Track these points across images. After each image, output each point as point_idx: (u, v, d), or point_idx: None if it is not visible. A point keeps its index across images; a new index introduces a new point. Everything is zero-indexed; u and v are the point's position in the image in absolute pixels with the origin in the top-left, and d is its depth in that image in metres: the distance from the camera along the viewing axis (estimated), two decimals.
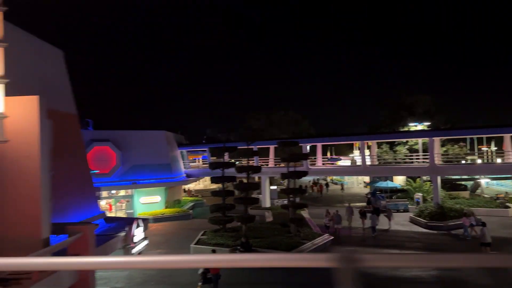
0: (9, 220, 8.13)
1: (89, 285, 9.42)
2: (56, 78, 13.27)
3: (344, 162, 53.50)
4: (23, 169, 8.33)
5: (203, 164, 49.74)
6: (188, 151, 44.11)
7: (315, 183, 54.92)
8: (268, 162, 38.56)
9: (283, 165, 37.38)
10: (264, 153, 39.69)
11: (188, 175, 40.87)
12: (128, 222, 13.33)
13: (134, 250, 12.20)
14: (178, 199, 40.13)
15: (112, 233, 12.25)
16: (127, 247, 12.22)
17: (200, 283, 18.74)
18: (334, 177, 59.90)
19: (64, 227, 9.33)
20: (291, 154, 25.86)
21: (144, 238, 13.40)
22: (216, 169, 27.67)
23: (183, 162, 42.02)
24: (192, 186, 54.65)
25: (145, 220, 14.34)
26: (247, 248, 21.85)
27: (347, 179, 55.44)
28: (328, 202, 40.44)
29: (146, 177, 34.44)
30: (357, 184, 56.05)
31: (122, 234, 12.41)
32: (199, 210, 39.14)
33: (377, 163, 35.51)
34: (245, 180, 25.34)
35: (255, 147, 33.02)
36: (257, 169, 25.28)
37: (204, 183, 61.65)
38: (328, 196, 47.43)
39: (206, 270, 18.70)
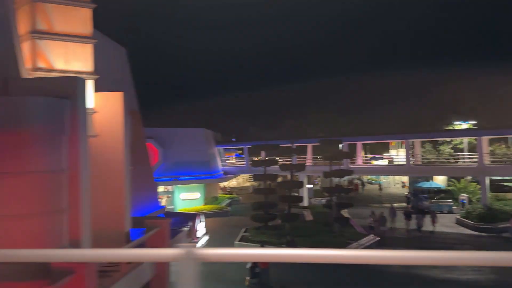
0: (97, 213, 8.31)
1: (165, 279, 9.54)
2: (121, 75, 13.55)
3: (380, 161, 52.48)
4: (109, 164, 8.52)
5: (237, 161, 50.14)
6: (225, 148, 44.47)
7: (350, 182, 54.14)
8: (305, 160, 38.27)
9: (320, 163, 37.23)
10: (301, 151, 39.37)
11: (225, 172, 41.15)
12: (188, 217, 13.47)
13: (197, 245, 12.33)
14: (215, 196, 40.51)
15: (176, 227, 12.40)
16: (191, 241, 12.34)
17: (248, 277, 18.79)
18: (369, 177, 58.83)
19: (142, 220, 9.48)
20: (335, 152, 25.55)
21: (205, 233, 13.52)
22: (257, 167, 27.68)
23: (220, 160, 42.38)
24: (226, 183, 55.07)
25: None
26: (292, 247, 21.73)
27: (383, 179, 54.35)
28: (365, 202, 39.76)
29: (186, 174, 34.89)
30: (394, 184, 54.85)
31: (186, 229, 12.53)
32: (235, 208, 39.33)
33: (420, 162, 34.61)
34: (276, 180, 25.42)
35: (293, 145, 32.84)
36: (301, 167, 25.10)
37: (237, 181, 61.90)
38: (365, 196, 46.64)
39: (255, 265, 18.70)
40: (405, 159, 33.34)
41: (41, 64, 7.61)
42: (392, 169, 37.34)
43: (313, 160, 38.32)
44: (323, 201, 38.35)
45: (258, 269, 18.68)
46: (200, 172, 36.01)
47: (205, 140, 38.01)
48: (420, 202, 33.77)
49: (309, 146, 38.21)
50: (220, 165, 41.47)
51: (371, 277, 19.39)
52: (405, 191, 46.26)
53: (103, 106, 8.42)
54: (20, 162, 6.26)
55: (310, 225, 27.15)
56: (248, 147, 40.15)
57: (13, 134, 6.22)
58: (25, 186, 6.31)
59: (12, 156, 6.25)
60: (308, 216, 32.90)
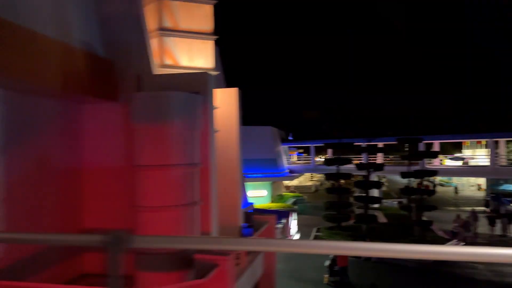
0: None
1: (273, 278, 9.50)
2: (217, 73, 13.75)
3: (453, 162, 49.54)
4: (225, 159, 8.60)
5: (298, 160, 49.74)
6: (289, 147, 44.28)
7: (420, 184, 51.63)
8: (375, 159, 36.99)
9: (390, 162, 35.75)
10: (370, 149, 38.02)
11: (291, 171, 40.96)
12: (280, 214, 13.38)
13: None
14: (280, 194, 40.46)
15: None
16: (285, 238, 12.25)
17: (327, 275, 18.64)
18: (440, 178, 55.69)
19: (249, 216, 9.50)
20: (415, 151, 24.37)
21: (297, 231, 13.40)
22: (330, 166, 27.14)
23: (284, 158, 42.26)
24: (288, 181, 54.99)
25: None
26: None
27: (456, 181, 51.24)
28: (439, 205, 37.62)
29: (254, 171, 35.11)
30: (468, 186, 51.54)
31: (280, 225, 12.46)
32: (301, 207, 38.96)
33: (505, 163, 32.05)
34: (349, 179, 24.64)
35: (364, 144, 31.81)
36: (379, 167, 24.21)
37: (299, 180, 61.63)
38: (439, 198, 44.23)
39: (333, 263, 18.54)
40: (487, 160, 31.13)
41: (168, 61, 7.83)
42: (475, 170, 34.71)
43: (384, 159, 36.97)
44: (395, 202, 36.91)
45: (337, 267, 18.51)
46: (267, 170, 36.11)
47: (272, 138, 38.06)
48: (502, 206, 31.33)
49: (380, 145, 36.90)
50: (285, 164, 41.37)
51: (458, 282, 18.41)
52: (482, 193, 43.30)
53: (221, 102, 8.53)
54: (162, 156, 6.43)
55: (386, 228, 26.17)
56: (315, 145, 39.66)
57: (157, 128, 6.40)
58: (167, 179, 6.47)
59: (155, 149, 6.44)
60: (381, 218, 31.76)
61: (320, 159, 50.18)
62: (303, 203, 41.10)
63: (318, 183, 59.58)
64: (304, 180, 60.93)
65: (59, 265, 6.97)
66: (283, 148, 41.89)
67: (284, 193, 43.15)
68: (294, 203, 39.36)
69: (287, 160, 43.12)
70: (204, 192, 7.00)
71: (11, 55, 5.21)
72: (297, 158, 52.94)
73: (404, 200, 29.69)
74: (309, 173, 57.00)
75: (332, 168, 26.79)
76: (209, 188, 7.00)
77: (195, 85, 7.08)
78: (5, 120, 5.78)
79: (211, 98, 7.22)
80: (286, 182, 50.72)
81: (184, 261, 6.29)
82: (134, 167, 6.66)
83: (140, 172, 6.60)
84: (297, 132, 55.31)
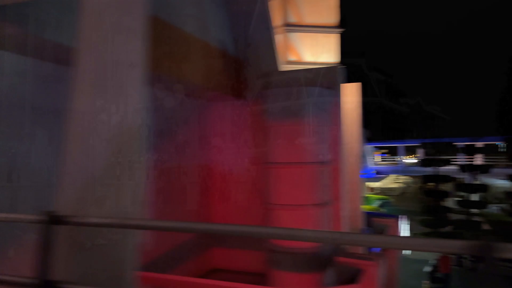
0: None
1: (396, 281, 8.96)
2: None
3: None
4: (348, 157, 8.26)
5: (382, 160, 47.58)
6: (374, 146, 42.58)
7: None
8: (472, 160, 33.95)
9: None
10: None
11: (378, 172, 39.31)
12: (387, 217, 12.68)
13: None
14: (364, 195, 38.98)
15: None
16: None
17: (427, 282, 17.49)
18: None
19: (369, 218, 9.05)
20: None
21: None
22: (427, 167, 25.42)
23: (368, 159, 40.67)
24: (372, 183, 52.83)
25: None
26: (479, 261, 19.12)
27: None
28: None
29: None
30: None
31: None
32: (388, 210, 37.12)
33: None
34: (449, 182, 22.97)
35: (461, 143, 29.35)
36: (486, 169, 22.11)
37: (382, 181, 58.98)
38: None
39: (435, 269, 17.36)
40: None
41: (292, 57, 7.70)
42: None
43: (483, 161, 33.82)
44: (494, 208, 33.63)
45: (439, 274, 17.29)
46: None
47: None
48: None
49: (478, 145, 33.84)
50: (370, 164, 39.84)
51: None
52: None
53: (344, 97, 8.21)
54: (297, 153, 6.29)
55: (490, 236, 23.84)
56: (405, 145, 37.56)
57: (292, 124, 6.27)
58: (301, 177, 6.32)
59: (289, 146, 6.31)
60: (483, 224, 29.01)
61: (403, 159, 47.61)
62: (390, 206, 39.17)
63: (404, 185, 56.45)
64: (389, 182, 58.16)
65: (192, 260, 7.17)
66: (367, 148, 40.34)
67: (368, 195, 41.52)
68: (381, 205, 37.60)
69: (372, 161, 41.48)
70: (335, 192, 6.73)
71: (166, 53, 5.39)
72: (381, 158, 50.83)
73: (506, 205, 26.95)
74: (394, 175, 54.33)
75: (427, 170, 25.10)
76: (339, 188, 6.72)
77: (324, 80, 6.84)
78: (154, 119, 6.03)
79: (340, 93, 6.94)
80: (370, 184, 48.77)
81: (321, 263, 6.08)
82: (266, 164, 6.60)
83: (273, 170, 6.52)
84: (378, 131, 53.02)
